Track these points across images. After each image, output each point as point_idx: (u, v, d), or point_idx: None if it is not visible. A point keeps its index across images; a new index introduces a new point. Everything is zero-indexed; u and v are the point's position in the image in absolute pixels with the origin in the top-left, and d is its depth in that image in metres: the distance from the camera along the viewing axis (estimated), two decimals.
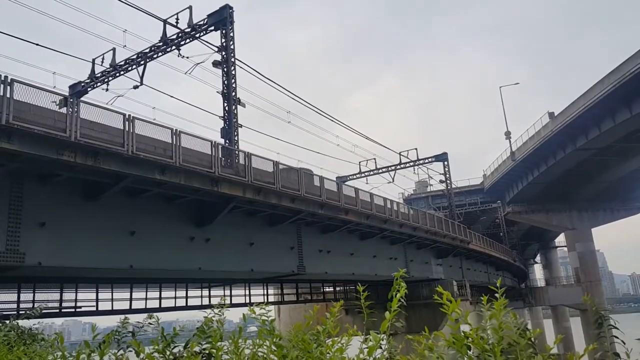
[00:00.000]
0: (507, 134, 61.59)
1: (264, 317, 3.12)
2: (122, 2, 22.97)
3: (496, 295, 2.93)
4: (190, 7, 25.29)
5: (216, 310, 3.98)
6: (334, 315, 3.21)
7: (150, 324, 5.22)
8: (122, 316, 5.76)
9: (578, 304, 65.53)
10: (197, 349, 3.59)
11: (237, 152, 20.89)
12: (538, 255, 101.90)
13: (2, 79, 13.14)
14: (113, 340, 4.92)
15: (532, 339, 2.77)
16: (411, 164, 51.65)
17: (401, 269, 3.19)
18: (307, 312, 3.47)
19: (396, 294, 2.95)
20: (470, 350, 2.69)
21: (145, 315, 5.51)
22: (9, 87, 13.12)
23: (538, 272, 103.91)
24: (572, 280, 71.86)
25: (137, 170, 16.05)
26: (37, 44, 23.61)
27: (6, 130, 12.95)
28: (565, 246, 78.37)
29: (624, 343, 3.35)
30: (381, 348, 3.02)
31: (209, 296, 29.38)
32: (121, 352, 4.23)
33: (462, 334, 2.73)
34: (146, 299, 25.72)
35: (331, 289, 41.07)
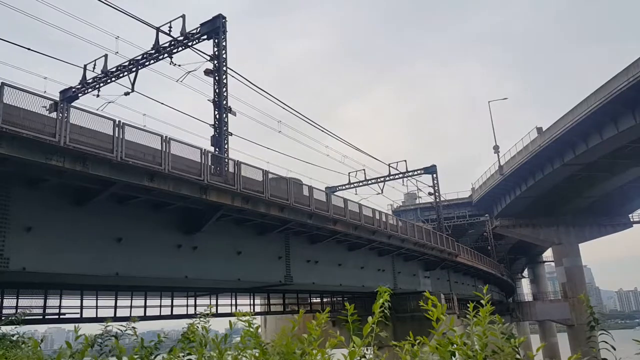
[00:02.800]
0: (496, 148, 62.19)
1: (248, 319, 3.11)
2: (116, 9, 23.00)
3: (482, 302, 2.95)
4: (183, 16, 25.38)
5: (201, 318, 3.99)
6: (320, 322, 3.21)
7: (134, 327, 5.18)
8: (105, 323, 5.71)
9: (565, 319, 65.83)
10: (181, 354, 3.57)
11: (226, 160, 20.86)
12: (526, 269, 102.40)
13: None
14: (95, 344, 4.88)
15: (517, 346, 2.79)
16: (400, 175, 51.87)
17: (387, 287, 3.16)
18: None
19: (380, 306, 2.96)
20: (454, 357, 2.70)
21: (127, 322, 5.46)
22: None
23: (525, 287, 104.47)
24: (560, 295, 72.17)
25: (126, 176, 15.95)
26: (29, 49, 23.46)
27: None
28: (552, 261, 78.82)
29: (614, 349, 3.37)
30: (365, 357, 3.02)
31: (195, 305, 29.12)
32: (103, 355, 4.19)
33: (448, 340, 2.74)
34: (131, 307, 25.45)
35: (318, 300, 40.92)
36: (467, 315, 3.06)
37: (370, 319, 2.84)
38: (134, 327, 5.15)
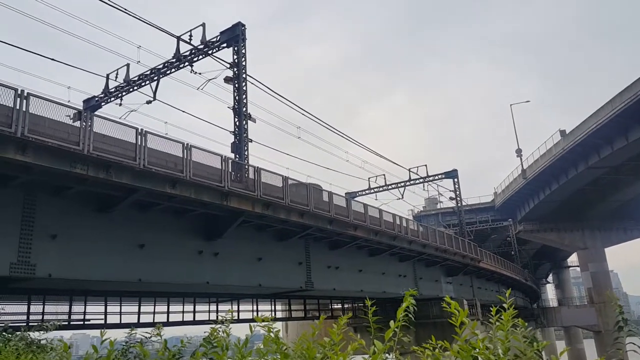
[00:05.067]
0: (518, 152, 61.34)
1: (267, 325, 3.12)
2: (138, 19, 23.38)
3: (504, 305, 2.91)
4: (203, 25, 25.67)
5: (223, 323, 4.02)
6: (341, 326, 3.19)
7: (158, 334, 5.25)
8: (129, 329, 5.79)
9: (592, 325, 64.42)
10: (203, 358, 3.59)
11: (246, 166, 20.98)
12: (550, 274, 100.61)
13: (19, 92, 13.37)
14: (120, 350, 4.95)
15: (539, 350, 2.74)
16: (421, 180, 51.53)
17: (412, 289, 3.14)
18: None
19: (405, 310, 2.93)
20: None
21: (152, 329, 5.54)
22: (25, 101, 13.34)
23: (550, 292, 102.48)
24: (585, 300, 70.71)
25: (148, 183, 16.16)
26: (53, 59, 23.98)
27: (21, 143, 13.14)
28: (578, 266, 77.29)
29: None
30: None
31: (217, 311, 29.29)
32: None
33: (470, 345, 2.71)
34: (154, 312, 25.73)
35: (339, 305, 40.79)
36: (490, 320, 3.02)
37: (392, 323, 2.82)
38: (158, 333, 5.21)
